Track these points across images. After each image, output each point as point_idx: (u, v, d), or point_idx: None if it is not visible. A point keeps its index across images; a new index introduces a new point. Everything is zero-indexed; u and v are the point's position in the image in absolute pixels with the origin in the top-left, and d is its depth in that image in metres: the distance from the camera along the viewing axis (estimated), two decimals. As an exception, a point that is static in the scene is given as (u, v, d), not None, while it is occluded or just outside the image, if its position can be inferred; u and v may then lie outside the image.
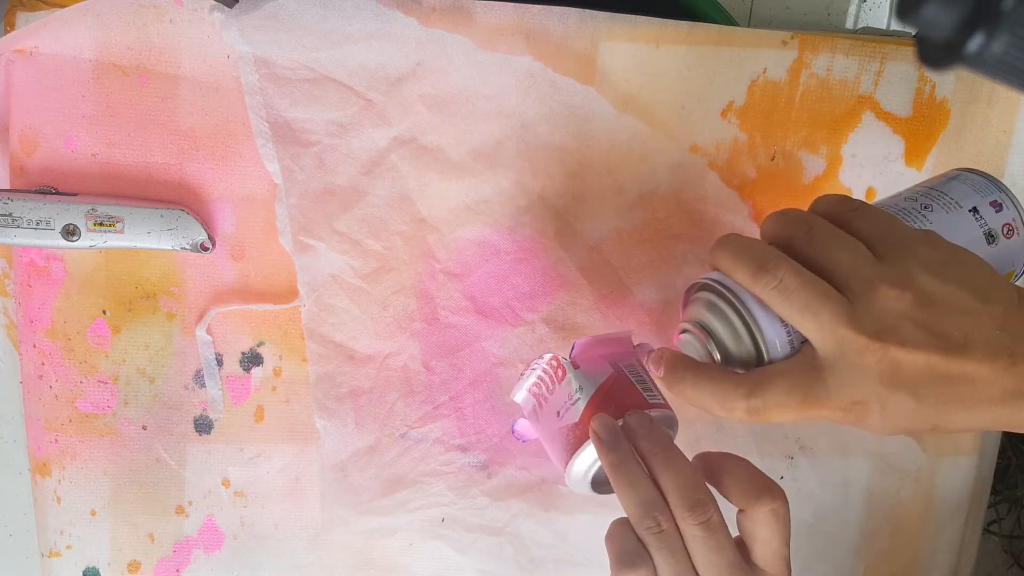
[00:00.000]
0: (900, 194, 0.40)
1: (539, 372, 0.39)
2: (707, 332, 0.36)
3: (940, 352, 0.31)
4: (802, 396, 0.32)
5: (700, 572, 0.33)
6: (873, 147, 0.47)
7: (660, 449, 0.34)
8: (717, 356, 0.36)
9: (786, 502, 0.34)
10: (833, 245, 0.33)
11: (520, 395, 0.41)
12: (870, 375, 0.31)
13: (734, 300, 0.35)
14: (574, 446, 0.37)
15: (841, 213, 0.35)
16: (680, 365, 0.35)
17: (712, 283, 0.36)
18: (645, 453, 0.34)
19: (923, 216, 0.38)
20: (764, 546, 0.34)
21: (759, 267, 0.33)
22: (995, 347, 0.31)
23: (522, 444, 0.47)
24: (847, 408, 0.32)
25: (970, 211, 0.38)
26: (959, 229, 0.37)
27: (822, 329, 0.32)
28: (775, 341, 0.34)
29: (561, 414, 0.38)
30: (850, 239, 0.34)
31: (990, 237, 0.38)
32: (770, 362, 0.34)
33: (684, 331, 0.38)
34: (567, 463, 0.38)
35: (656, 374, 0.35)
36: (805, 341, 0.33)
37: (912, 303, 0.32)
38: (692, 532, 0.33)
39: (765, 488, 0.34)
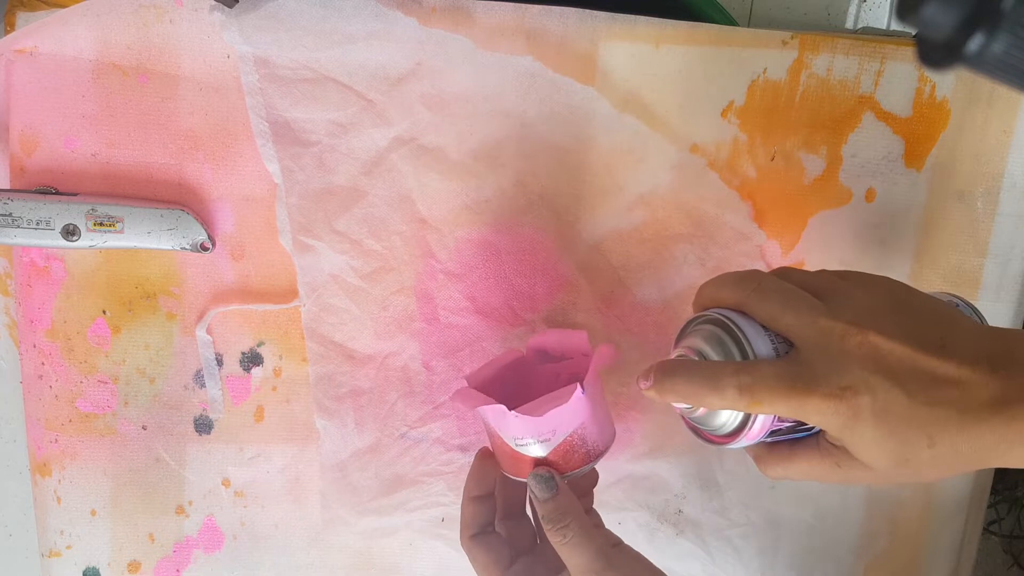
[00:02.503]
0: None
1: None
2: (696, 352, 0.36)
3: (919, 349, 0.31)
4: (790, 381, 0.32)
5: None
6: (873, 147, 0.47)
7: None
8: None
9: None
10: (801, 275, 0.36)
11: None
12: (854, 359, 0.32)
13: (720, 317, 0.35)
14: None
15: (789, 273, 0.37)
16: (669, 366, 0.35)
17: (699, 316, 0.37)
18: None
19: None
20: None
21: (739, 278, 0.36)
22: (972, 353, 0.31)
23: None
24: (838, 395, 0.32)
25: None
26: None
27: (801, 321, 0.33)
28: (762, 350, 0.34)
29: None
30: (813, 272, 0.37)
31: None
32: None
33: (676, 357, 0.38)
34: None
35: (645, 387, 0.36)
36: (789, 351, 0.34)
37: (885, 303, 0.33)
38: None
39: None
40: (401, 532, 0.48)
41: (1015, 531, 0.65)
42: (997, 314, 0.50)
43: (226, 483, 0.46)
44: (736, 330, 0.34)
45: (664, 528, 0.50)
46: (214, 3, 0.40)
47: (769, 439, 0.36)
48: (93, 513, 0.45)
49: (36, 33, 0.40)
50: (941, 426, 0.31)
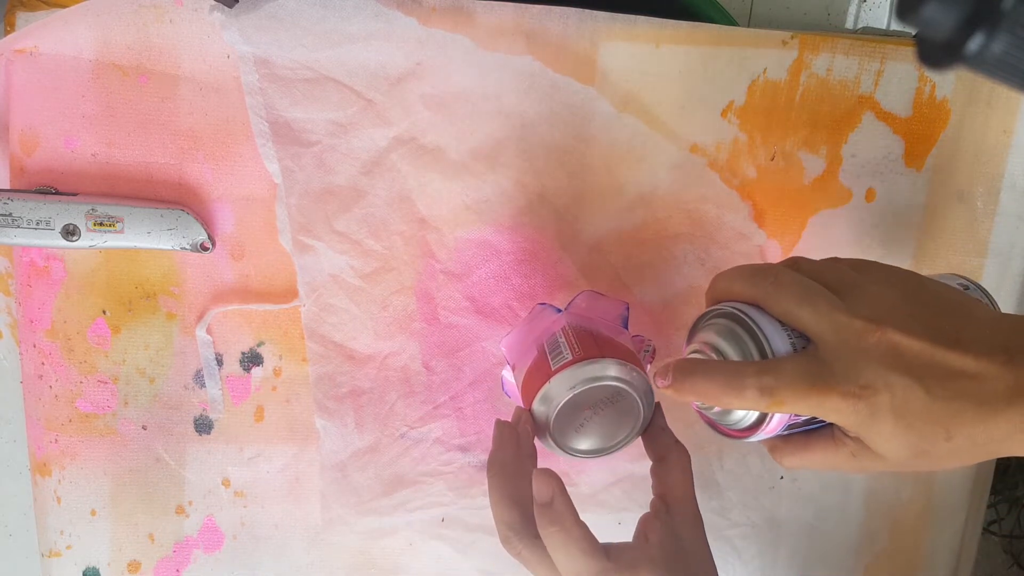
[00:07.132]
0: None
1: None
2: (712, 348, 0.36)
3: (936, 343, 0.31)
4: (810, 380, 0.32)
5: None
6: (873, 147, 0.47)
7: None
8: None
9: (688, 456, 0.40)
10: (814, 267, 0.36)
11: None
12: (873, 357, 0.32)
13: (736, 312, 0.35)
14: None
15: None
16: (687, 365, 0.35)
17: (712, 310, 0.37)
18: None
19: None
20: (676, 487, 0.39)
21: (754, 272, 0.36)
22: (988, 344, 0.31)
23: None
24: (857, 394, 0.32)
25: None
26: None
27: (819, 317, 0.33)
28: (779, 346, 0.34)
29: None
30: (826, 261, 0.37)
31: None
32: None
33: (691, 353, 0.38)
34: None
35: (663, 385, 0.35)
36: (806, 346, 0.34)
37: (900, 298, 0.33)
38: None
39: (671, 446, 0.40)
40: (401, 532, 0.48)
41: (1015, 531, 0.65)
42: (997, 314, 0.50)
43: (226, 483, 0.46)
44: (753, 326, 0.34)
45: (664, 528, 0.50)
46: (214, 3, 0.40)
47: (785, 432, 0.36)
48: (93, 513, 0.45)
49: (36, 33, 0.40)
50: (958, 419, 0.31)
